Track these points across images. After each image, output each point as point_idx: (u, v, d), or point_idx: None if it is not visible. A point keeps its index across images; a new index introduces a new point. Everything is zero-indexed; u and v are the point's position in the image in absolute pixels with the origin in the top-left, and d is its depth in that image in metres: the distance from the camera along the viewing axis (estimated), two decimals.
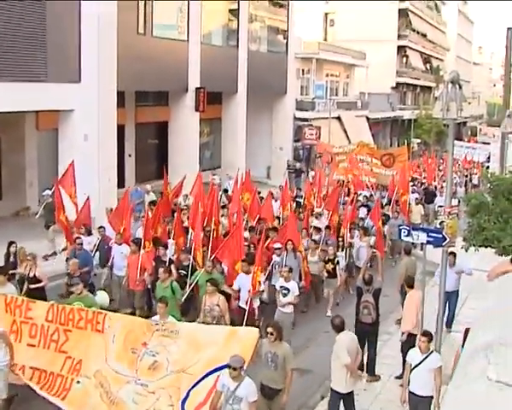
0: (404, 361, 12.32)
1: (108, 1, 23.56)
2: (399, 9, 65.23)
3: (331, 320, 10.47)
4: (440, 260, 12.35)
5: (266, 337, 9.59)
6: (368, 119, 54.41)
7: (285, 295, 13.44)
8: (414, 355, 10.20)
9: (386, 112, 60.45)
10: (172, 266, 14.55)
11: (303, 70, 45.68)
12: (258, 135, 37.96)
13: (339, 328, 10.15)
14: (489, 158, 46.63)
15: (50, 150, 25.22)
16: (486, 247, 13.46)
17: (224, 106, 35.16)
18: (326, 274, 16.74)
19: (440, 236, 12.22)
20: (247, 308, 13.30)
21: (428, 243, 12.44)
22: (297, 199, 25.68)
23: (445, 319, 13.66)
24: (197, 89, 29.83)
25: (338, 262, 16.84)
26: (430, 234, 12.43)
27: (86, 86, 23.10)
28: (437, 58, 78.43)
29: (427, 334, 10.31)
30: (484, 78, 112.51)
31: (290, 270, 13.95)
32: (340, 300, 17.33)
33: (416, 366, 10.02)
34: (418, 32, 70.10)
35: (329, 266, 16.65)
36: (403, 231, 13.01)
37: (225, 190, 25.01)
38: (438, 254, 12.84)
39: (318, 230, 19.12)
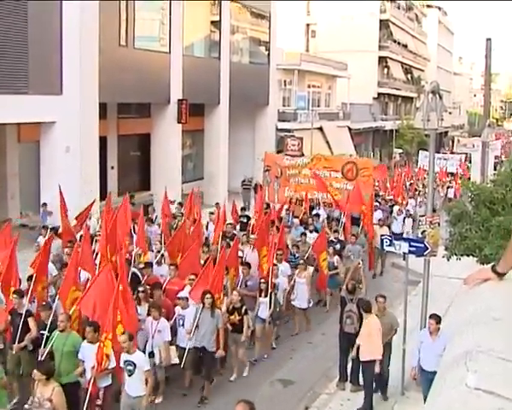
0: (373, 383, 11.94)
1: (90, 12, 23.53)
2: (380, 20, 65.74)
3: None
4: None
5: None
6: (350, 129, 54.66)
7: (130, 373, 9.82)
8: None
9: (368, 122, 60.82)
10: (31, 321, 11.25)
11: (285, 81, 45.83)
12: (240, 146, 37.95)
13: None
14: (460, 166, 46.59)
15: (32, 162, 25.06)
16: (468, 256, 13.58)
17: (207, 117, 35.13)
18: (230, 327, 13.04)
19: (422, 245, 12.28)
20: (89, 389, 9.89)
21: (410, 252, 12.48)
22: (241, 219, 21.80)
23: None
24: (179, 100, 29.80)
25: (246, 312, 13.07)
26: (412, 244, 12.48)
27: (68, 98, 23.01)
28: (418, 68, 79.01)
29: None
30: (464, 88, 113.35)
31: (131, 338, 9.94)
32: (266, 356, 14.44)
33: None
34: (399, 43, 70.63)
35: (235, 318, 13.02)
36: (385, 240, 13.04)
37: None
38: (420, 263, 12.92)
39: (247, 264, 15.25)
